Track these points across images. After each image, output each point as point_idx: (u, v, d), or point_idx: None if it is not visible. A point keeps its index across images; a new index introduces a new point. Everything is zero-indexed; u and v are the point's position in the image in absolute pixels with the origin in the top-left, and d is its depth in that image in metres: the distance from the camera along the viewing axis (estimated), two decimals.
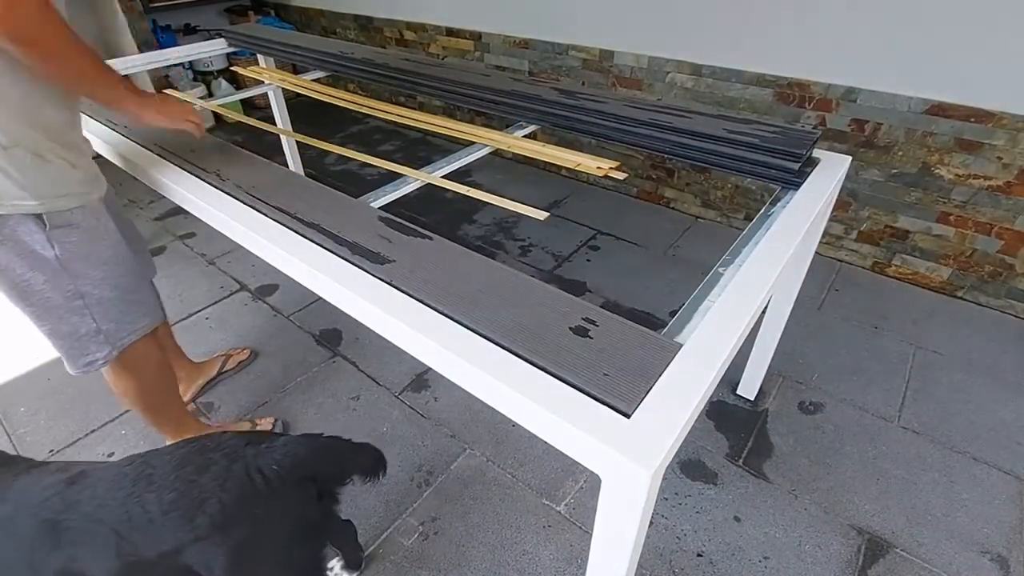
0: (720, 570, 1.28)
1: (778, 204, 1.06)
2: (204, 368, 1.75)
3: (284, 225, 0.96)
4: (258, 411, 1.68)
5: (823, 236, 1.60)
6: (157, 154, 1.24)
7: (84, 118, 1.50)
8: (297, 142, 2.77)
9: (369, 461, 1.00)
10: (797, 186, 1.09)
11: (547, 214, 1.12)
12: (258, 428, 1.59)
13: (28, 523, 0.75)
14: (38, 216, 0.96)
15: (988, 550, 1.30)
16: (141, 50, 3.20)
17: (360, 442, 1.00)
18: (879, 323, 1.99)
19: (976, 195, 1.92)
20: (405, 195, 1.19)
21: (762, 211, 1.04)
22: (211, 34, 2.43)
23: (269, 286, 2.21)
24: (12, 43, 0.80)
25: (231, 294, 2.18)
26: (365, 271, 0.84)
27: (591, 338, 0.70)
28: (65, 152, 0.98)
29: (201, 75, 3.73)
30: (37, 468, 0.87)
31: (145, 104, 1.07)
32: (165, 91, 1.23)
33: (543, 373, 0.66)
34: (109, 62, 2.08)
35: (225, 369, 1.78)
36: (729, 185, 2.50)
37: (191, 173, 1.15)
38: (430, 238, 0.92)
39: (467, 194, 1.21)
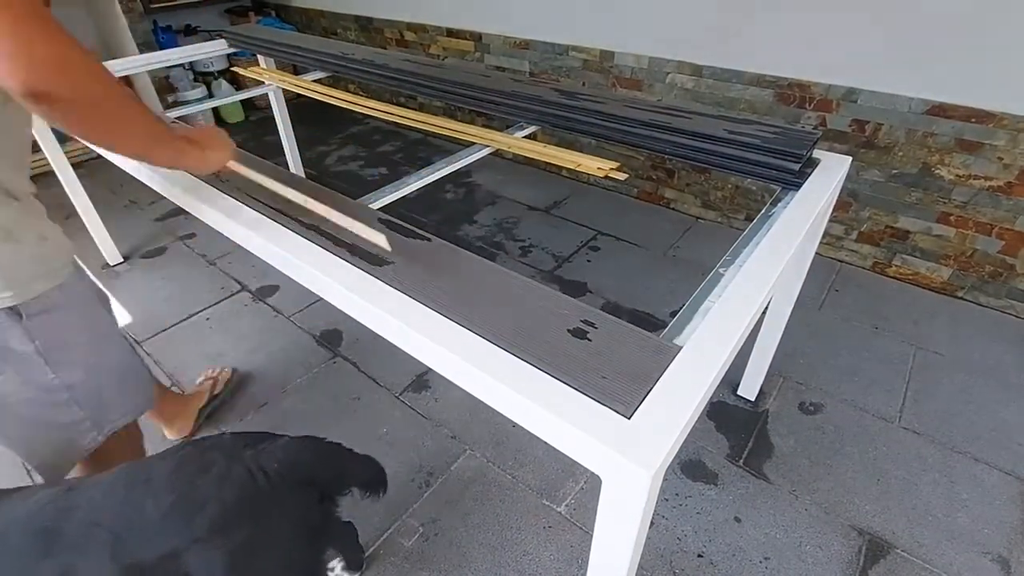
0: (721, 571, 1.28)
1: (778, 204, 1.06)
2: (193, 400, 1.61)
3: (284, 226, 0.96)
4: (258, 412, 1.68)
5: (823, 236, 1.60)
6: None
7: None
8: (297, 143, 2.77)
9: (370, 474, 0.99)
10: (797, 187, 1.09)
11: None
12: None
13: (18, 535, 0.73)
14: (11, 308, 0.79)
15: (989, 551, 1.30)
16: (141, 51, 3.20)
17: (363, 454, 0.99)
18: (879, 323, 1.99)
19: (977, 195, 1.92)
20: (405, 196, 1.19)
21: (762, 212, 1.04)
22: (212, 35, 2.43)
23: (269, 287, 2.21)
24: (62, 112, 0.64)
25: (232, 295, 2.18)
26: (365, 272, 0.84)
27: (590, 340, 0.70)
28: (32, 219, 0.81)
29: (201, 76, 3.73)
30: (34, 489, 0.83)
31: (203, 148, 0.88)
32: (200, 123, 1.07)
33: (543, 374, 0.66)
34: (108, 63, 2.09)
35: (217, 392, 1.67)
36: (729, 186, 2.50)
37: (190, 173, 1.15)
38: (428, 239, 0.92)
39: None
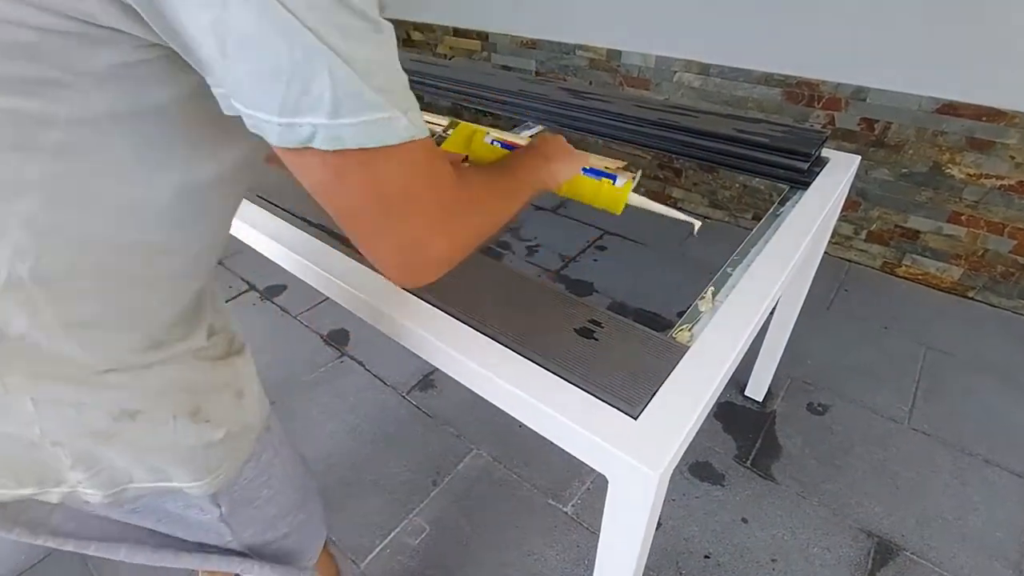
0: (728, 572, 1.27)
1: (787, 204, 1.05)
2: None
3: (291, 225, 0.97)
4: None
5: (832, 236, 1.59)
6: None
7: None
8: None
9: None
10: (806, 186, 1.08)
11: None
12: None
13: None
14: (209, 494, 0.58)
15: (1000, 554, 1.29)
16: None
17: None
18: (889, 324, 1.97)
19: (988, 194, 1.90)
20: None
21: (770, 211, 1.03)
22: None
23: (277, 286, 2.22)
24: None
25: (240, 294, 2.19)
26: (372, 271, 0.84)
27: (596, 340, 0.70)
28: (230, 377, 0.57)
29: None
30: None
31: (548, 160, 0.72)
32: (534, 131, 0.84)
33: (550, 374, 0.66)
34: None
35: None
36: (737, 185, 2.49)
37: None
38: None
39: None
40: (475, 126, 0.87)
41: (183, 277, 0.50)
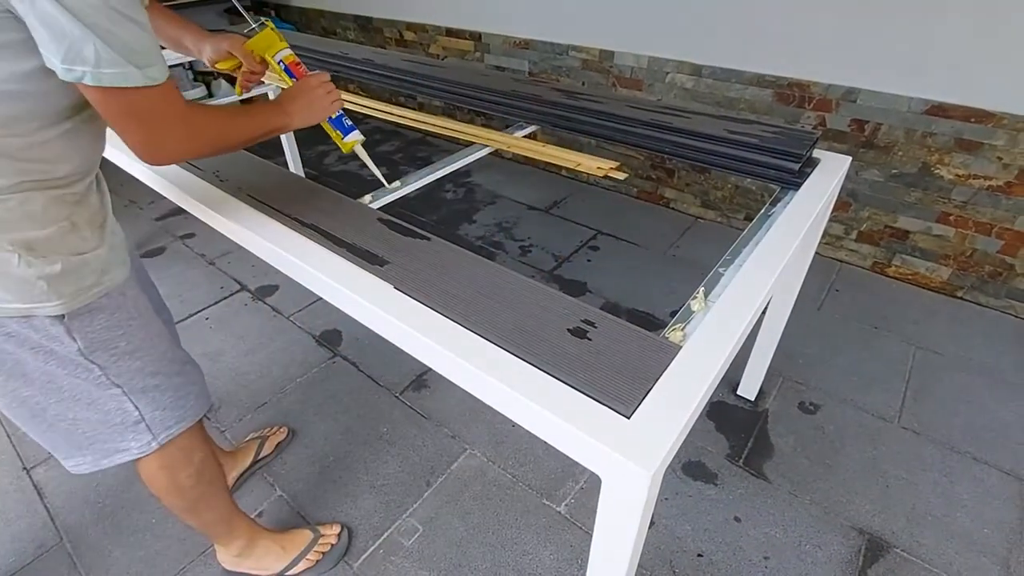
0: (721, 570, 1.28)
1: (778, 204, 1.06)
2: (238, 457, 1.48)
3: (284, 226, 0.96)
4: (257, 412, 1.68)
5: (823, 236, 1.60)
6: None
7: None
8: (297, 144, 2.77)
9: None
10: (797, 186, 1.09)
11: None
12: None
13: None
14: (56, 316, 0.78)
15: (989, 550, 1.30)
16: None
17: None
18: (879, 323, 1.99)
19: (976, 195, 1.92)
20: (404, 196, 1.19)
21: (762, 211, 1.04)
22: None
23: (269, 286, 2.21)
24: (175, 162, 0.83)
25: (231, 294, 2.18)
26: (365, 271, 0.84)
27: (590, 340, 0.70)
28: (93, 233, 0.82)
29: (201, 76, 3.73)
30: None
31: (290, 113, 0.96)
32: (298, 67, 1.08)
33: (543, 374, 0.66)
34: None
35: (261, 456, 1.51)
36: (729, 185, 2.50)
37: (190, 173, 1.15)
38: (428, 239, 0.92)
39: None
40: (281, 42, 1.09)
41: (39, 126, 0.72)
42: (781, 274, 0.86)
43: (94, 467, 0.94)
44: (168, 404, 0.95)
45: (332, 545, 1.31)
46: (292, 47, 1.13)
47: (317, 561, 1.28)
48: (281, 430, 1.59)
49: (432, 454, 1.54)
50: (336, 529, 1.35)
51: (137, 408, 0.91)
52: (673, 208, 2.73)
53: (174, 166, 1.18)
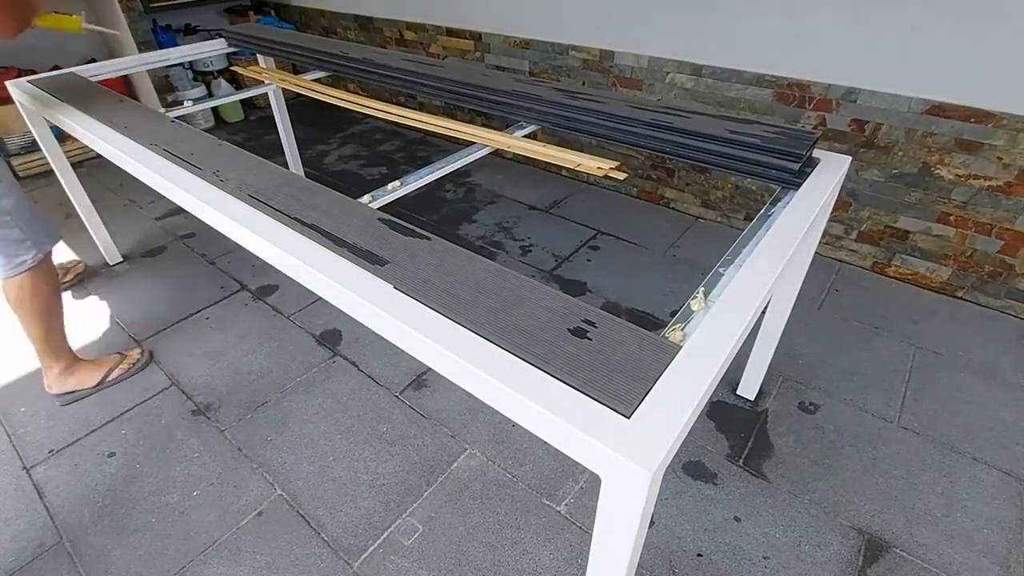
0: (720, 570, 1.28)
1: (778, 204, 1.06)
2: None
3: (284, 225, 0.97)
4: (257, 411, 1.68)
5: (823, 236, 1.60)
6: (157, 154, 1.24)
7: (83, 117, 1.50)
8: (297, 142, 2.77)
9: None
10: (797, 186, 1.09)
11: None
12: (127, 359, 1.79)
13: None
14: None
15: (988, 550, 1.30)
16: (141, 50, 3.20)
17: None
18: (879, 323, 1.99)
19: (976, 195, 1.92)
20: (405, 195, 1.19)
21: (762, 211, 1.04)
22: (211, 34, 2.44)
23: (269, 286, 2.21)
24: None
25: (231, 294, 2.18)
26: (365, 271, 0.84)
27: (590, 339, 0.70)
28: None
29: (201, 75, 3.73)
30: None
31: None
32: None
33: (543, 373, 0.66)
34: (108, 63, 2.09)
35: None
36: (729, 185, 2.50)
37: (191, 173, 1.15)
38: (428, 238, 0.92)
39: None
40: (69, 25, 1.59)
41: None
42: (781, 274, 0.86)
43: (8, 273, 1.44)
44: (39, 230, 1.47)
45: (138, 359, 1.78)
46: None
47: (127, 371, 1.75)
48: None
49: (432, 454, 1.54)
50: (139, 351, 1.82)
51: (22, 231, 1.41)
52: (673, 208, 2.73)
53: (174, 166, 1.18)
